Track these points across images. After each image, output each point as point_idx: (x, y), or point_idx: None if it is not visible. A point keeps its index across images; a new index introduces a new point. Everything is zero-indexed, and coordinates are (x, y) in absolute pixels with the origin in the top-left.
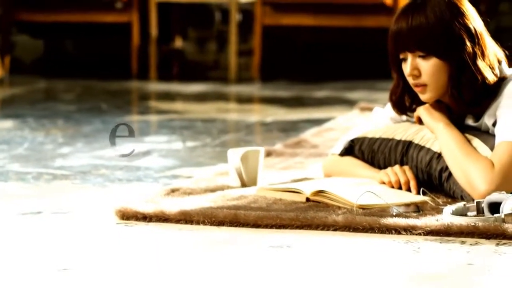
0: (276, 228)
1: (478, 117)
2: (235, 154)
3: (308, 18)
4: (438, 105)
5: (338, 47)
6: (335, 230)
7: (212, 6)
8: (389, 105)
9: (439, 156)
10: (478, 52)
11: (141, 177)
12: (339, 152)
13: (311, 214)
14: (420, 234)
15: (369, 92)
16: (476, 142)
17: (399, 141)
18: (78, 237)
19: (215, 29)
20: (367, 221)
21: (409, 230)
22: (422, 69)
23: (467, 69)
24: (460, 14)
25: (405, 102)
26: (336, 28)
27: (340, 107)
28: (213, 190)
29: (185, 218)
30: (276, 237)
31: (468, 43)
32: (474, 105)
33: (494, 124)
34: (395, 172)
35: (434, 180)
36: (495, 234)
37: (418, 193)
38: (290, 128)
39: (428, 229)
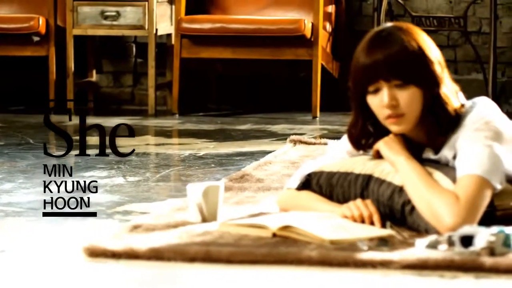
0: (249, 264)
1: (437, 149)
2: (195, 189)
3: (227, 51)
4: (398, 138)
5: (255, 79)
6: (309, 265)
7: (127, 39)
8: (344, 138)
9: (401, 189)
10: (444, 80)
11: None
12: (295, 186)
13: (283, 250)
14: (396, 268)
15: (290, 124)
16: (438, 175)
17: (358, 175)
18: (51, 276)
19: (131, 63)
20: (342, 256)
21: (385, 264)
22: (400, 99)
23: (439, 97)
24: (425, 44)
25: (360, 136)
26: (254, 60)
27: (267, 140)
28: (175, 226)
29: (156, 255)
30: (250, 273)
31: (438, 70)
32: (445, 133)
33: (454, 157)
34: (357, 206)
35: (397, 214)
36: (473, 268)
37: (383, 226)
38: (226, 162)
39: (405, 263)
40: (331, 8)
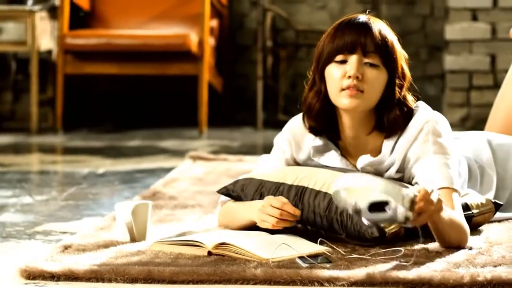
0: (193, 284)
1: (376, 154)
2: (124, 208)
3: (112, 67)
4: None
5: (138, 94)
6: (254, 284)
7: (7, 56)
8: (280, 146)
9: None
10: (406, 77)
11: (14, 234)
12: (221, 197)
13: (227, 268)
14: (344, 285)
15: (179, 140)
16: None
17: (291, 186)
18: None
19: (11, 79)
20: (288, 274)
21: (332, 281)
22: (366, 76)
23: (398, 89)
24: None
25: (322, 109)
26: (139, 76)
27: (161, 156)
28: (106, 246)
29: (96, 276)
30: None
31: (406, 70)
32: (404, 127)
33: (403, 161)
34: (269, 203)
35: (335, 224)
36: (422, 283)
37: (315, 241)
38: (129, 179)
39: (352, 280)
40: (214, 22)
